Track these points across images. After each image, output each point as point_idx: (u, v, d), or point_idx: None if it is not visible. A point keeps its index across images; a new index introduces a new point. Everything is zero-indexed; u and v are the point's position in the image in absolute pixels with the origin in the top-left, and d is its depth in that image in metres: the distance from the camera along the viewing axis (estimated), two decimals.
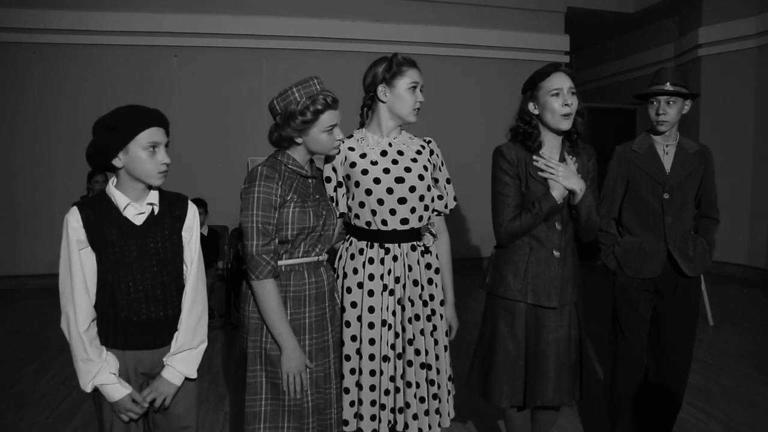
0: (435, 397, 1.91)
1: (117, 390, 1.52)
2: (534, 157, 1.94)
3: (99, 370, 1.51)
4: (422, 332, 1.90)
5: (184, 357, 1.62)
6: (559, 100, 1.88)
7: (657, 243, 2.29)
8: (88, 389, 1.52)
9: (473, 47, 7.13)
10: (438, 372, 1.93)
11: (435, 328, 1.94)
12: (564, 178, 1.89)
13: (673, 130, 2.33)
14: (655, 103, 2.27)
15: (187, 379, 1.64)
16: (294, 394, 1.71)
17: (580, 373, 2.03)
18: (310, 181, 1.80)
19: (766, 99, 6.30)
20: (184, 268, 1.65)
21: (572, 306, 2.01)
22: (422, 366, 1.89)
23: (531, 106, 1.95)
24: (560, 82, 1.88)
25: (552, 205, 1.89)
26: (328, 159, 1.93)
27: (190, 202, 1.68)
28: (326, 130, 1.72)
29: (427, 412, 1.89)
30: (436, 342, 1.94)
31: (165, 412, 1.64)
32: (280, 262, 1.73)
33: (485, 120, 7.09)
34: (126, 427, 1.59)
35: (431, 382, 1.91)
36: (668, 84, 2.25)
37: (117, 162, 1.50)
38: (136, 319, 1.55)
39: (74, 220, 1.49)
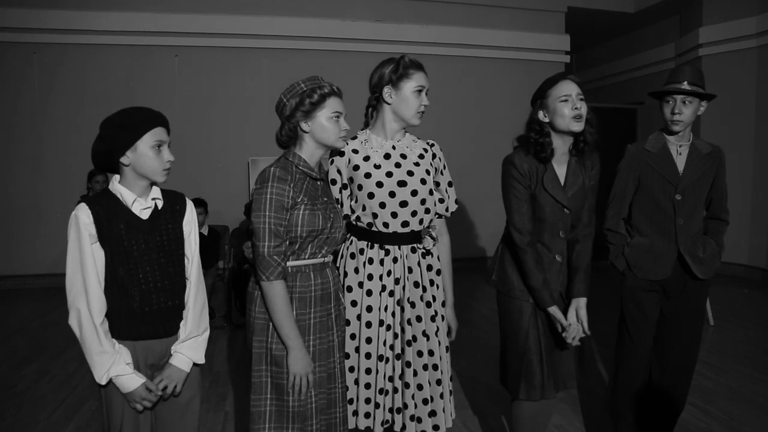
0: (441, 396, 1.93)
1: (132, 380, 1.57)
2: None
3: (114, 361, 1.55)
4: (424, 333, 1.90)
5: (192, 344, 1.69)
6: (569, 105, 1.91)
7: (667, 244, 2.26)
8: (104, 381, 1.56)
9: (473, 47, 7.13)
10: (441, 372, 1.94)
11: (438, 329, 1.95)
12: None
13: (687, 131, 2.27)
14: (670, 101, 2.21)
15: (194, 364, 1.71)
16: (298, 395, 1.72)
17: (580, 358, 2.10)
18: (319, 183, 1.82)
19: (766, 99, 6.31)
20: (186, 260, 1.72)
21: None
22: (425, 367, 1.89)
23: (541, 114, 1.98)
24: (569, 88, 1.92)
25: (540, 303, 1.99)
26: (333, 161, 1.94)
27: (187, 199, 1.75)
28: (332, 115, 1.75)
29: (432, 413, 1.90)
30: (439, 343, 1.95)
31: (172, 398, 1.68)
32: (287, 263, 1.74)
33: (486, 120, 7.10)
34: (135, 420, 1.63)
35: (438, 382, 1.92)
36: (686, 83, 2.18)
37: (125, 159, 1.56)
38: (148, 310, 1.61)
39: (85, 216, 1.53)
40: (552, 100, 1.93)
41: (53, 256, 5.92)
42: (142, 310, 1.60)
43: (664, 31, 7.74)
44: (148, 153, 1.56)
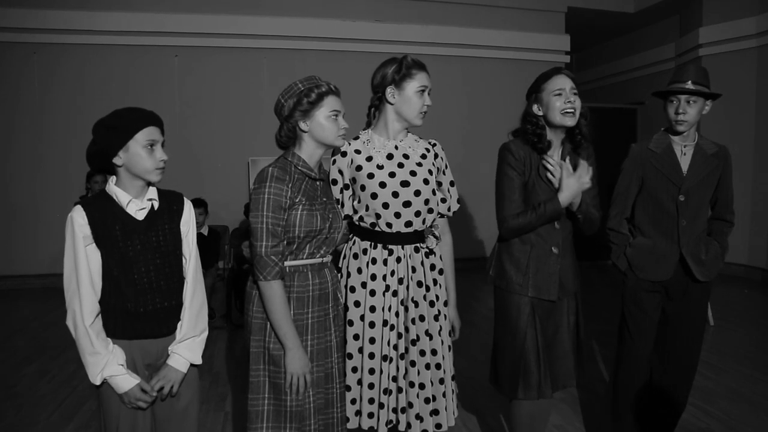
0: (444, 395, 1.93)
1: (126, 380, 1.57)
2: (543, 157, 1.97)
3: (107, 362, 1.55)
4: (427, 333, 1.90)
5: (189, 344, 1.68)
6: (562, 98, 1.93)
7: (670, 245, 2.24)
8: (97, 381, 1.56)
9: (473, 47, 7.13)
10: (444, 371, 1.94)
11: (441, 328, 1.95)
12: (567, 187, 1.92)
13: (692, 131, 2.25)
14: (675, 101, 2.19)
15: (191, 365, 1.70)
16: (296, 394, 1.72)
17: (579, 357, 2.12)
18: (318, 183, 1.82)
19: (766, 99, 6.31)
20: (183, 260, 1.71)
21: (572, 295, 2.09)
22: (428, 366, 1.90)
23: (535, 108, 1.99)
24: (562, 82, 1.94)
25: (556, 209, 1.93)
26: (335, 161, 1.93)
27: (185, 198, 1.75)
28: (331, 114, 1.74)
29: (435, 412, 1.90)
30: (441, 342, 1.95)
31: (170, 401, 1.68)
32: (285, 263, 1.74)
33: (486, 120, 7.10)
34: (133, 421, 1.62)
35: (441, 381, 1.92)
36: (690, 82, 2.16)
37: (117, 160, 1.56)
38: (143, 310, 1.61)
39: (79, 217, 1.54)
40: (546, 94, 1.95)
41: (53, 256, 5.93)
42: (137, 310, 1.60)
43: (664, 31, 7.74)
44: (140, 152, 1.56)
